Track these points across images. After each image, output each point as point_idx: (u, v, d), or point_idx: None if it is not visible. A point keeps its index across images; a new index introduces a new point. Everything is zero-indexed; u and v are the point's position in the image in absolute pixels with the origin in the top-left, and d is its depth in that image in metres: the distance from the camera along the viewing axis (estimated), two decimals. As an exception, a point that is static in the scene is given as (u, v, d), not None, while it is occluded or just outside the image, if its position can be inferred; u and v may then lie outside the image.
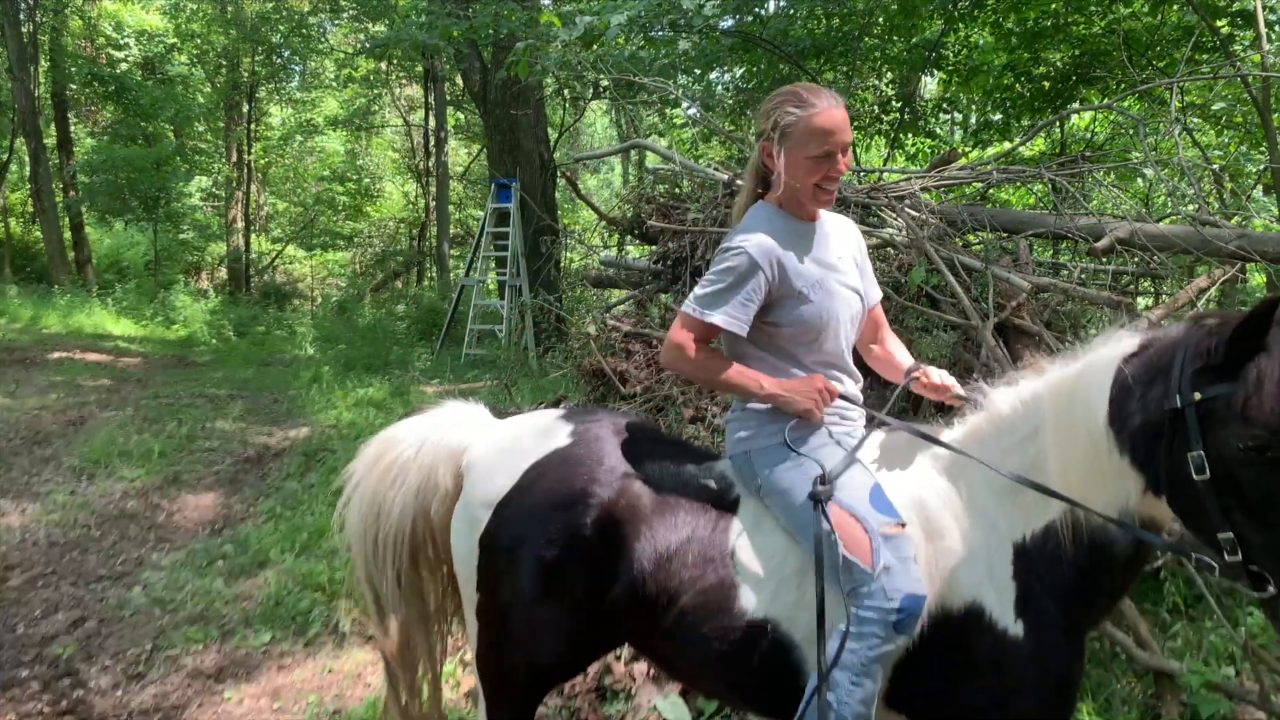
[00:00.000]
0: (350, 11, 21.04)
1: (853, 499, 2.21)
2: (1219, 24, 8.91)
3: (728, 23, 10.40)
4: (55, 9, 20.64)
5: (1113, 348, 2.04)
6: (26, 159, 19.78)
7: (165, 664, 4.13)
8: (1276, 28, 10.65)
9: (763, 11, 10.20)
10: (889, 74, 11.82)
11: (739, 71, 11.84)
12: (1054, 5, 9.27)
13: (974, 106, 11.64)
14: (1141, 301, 5.55)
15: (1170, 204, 6.46)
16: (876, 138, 11.68)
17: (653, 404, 4.74)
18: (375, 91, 24.16)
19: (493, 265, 14.44)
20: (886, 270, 4.79)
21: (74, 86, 21.84)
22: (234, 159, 23.83)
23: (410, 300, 19.68)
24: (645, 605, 2.29)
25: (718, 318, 2.33)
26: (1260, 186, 12.02)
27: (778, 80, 10.89)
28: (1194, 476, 1.82)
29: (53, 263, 19.47)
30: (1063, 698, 2.11)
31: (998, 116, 10.91)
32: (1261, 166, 11.18)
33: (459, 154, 26.32)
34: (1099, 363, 2.04)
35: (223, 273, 24.32)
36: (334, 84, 24.79)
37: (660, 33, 9.78)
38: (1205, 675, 3.30)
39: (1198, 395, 1.82)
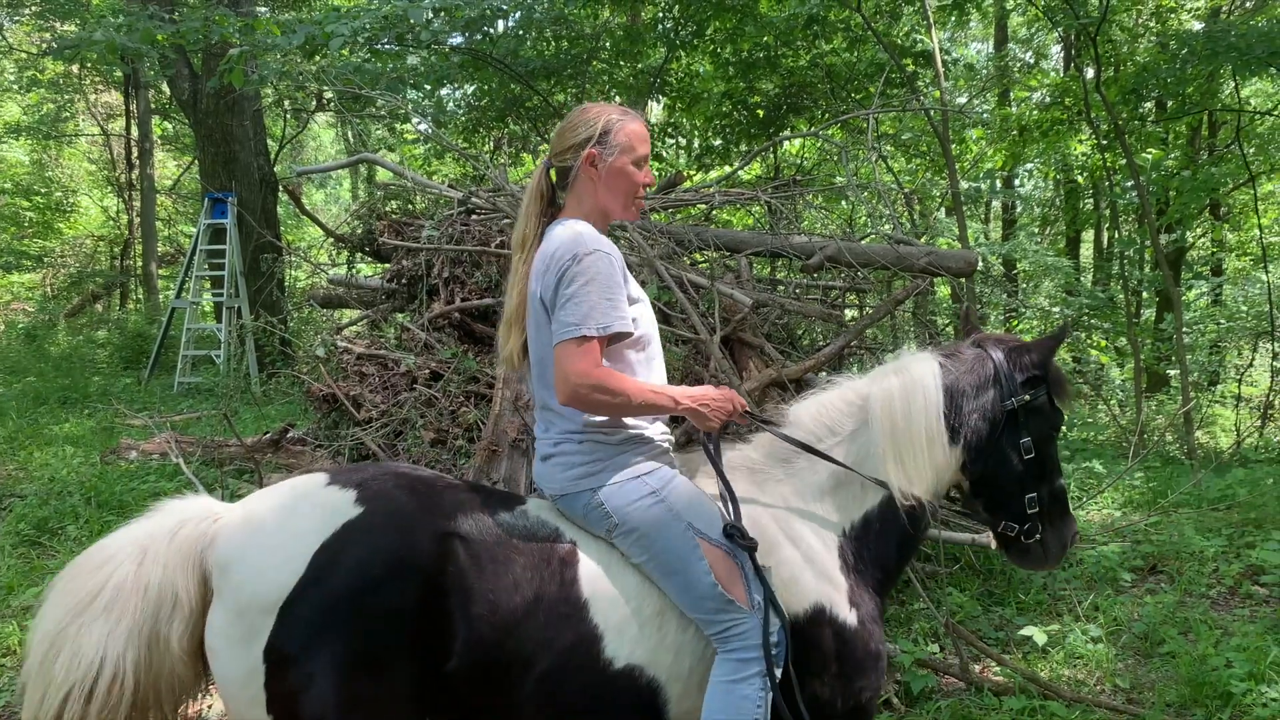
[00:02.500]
0: (33, 8, 18.96)
1: (717, 531, 2.22)
2: (906, 62, 9.93)
3: (458, 39, 10.32)
4: None
5: (921, 365, 2.45)
6: None
7: None
8: (952, 68, 12.00)
9: (493, 30, 10.21)
10: (617, 98, 12.19)
11: (470, 89, 11.78)
12: (766, 38, 9.95)
13: (696, 131, 12.25)
14: (849, 313, 6.04)
15: (870, 224, 7.09)
16: (607, 158, 11.98)
17: (390, 428, 4.58)
18: (66, 97, 21.89)
19: (208, 285, 13.45)
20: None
21: None
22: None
23: (113, 325, 17.94)
24: (491, 678, 2.05)
25: (617, 324, 2.17)
26: (943, 209, 13.46)
27: (510, 99, 10.94)
28: (1022, 457, 2.44)
29: None
30: (882, 670, 2.40)
31: (718, 141, 11.56)
32: (944, 191, 12.52)
33: (167, 166, 24.36)
34: (921, 375, 2.43)
35: (-124, 298, 21.10)
36: (16, 87, 22.20)
37: (388, 45, 9.55)
38: (915, 653, 3.61)
39: (1026, 397, 2.44)
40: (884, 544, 2.41)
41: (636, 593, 2.20)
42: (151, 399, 11.23)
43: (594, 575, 2.18)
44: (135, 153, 20.39)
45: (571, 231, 2.25)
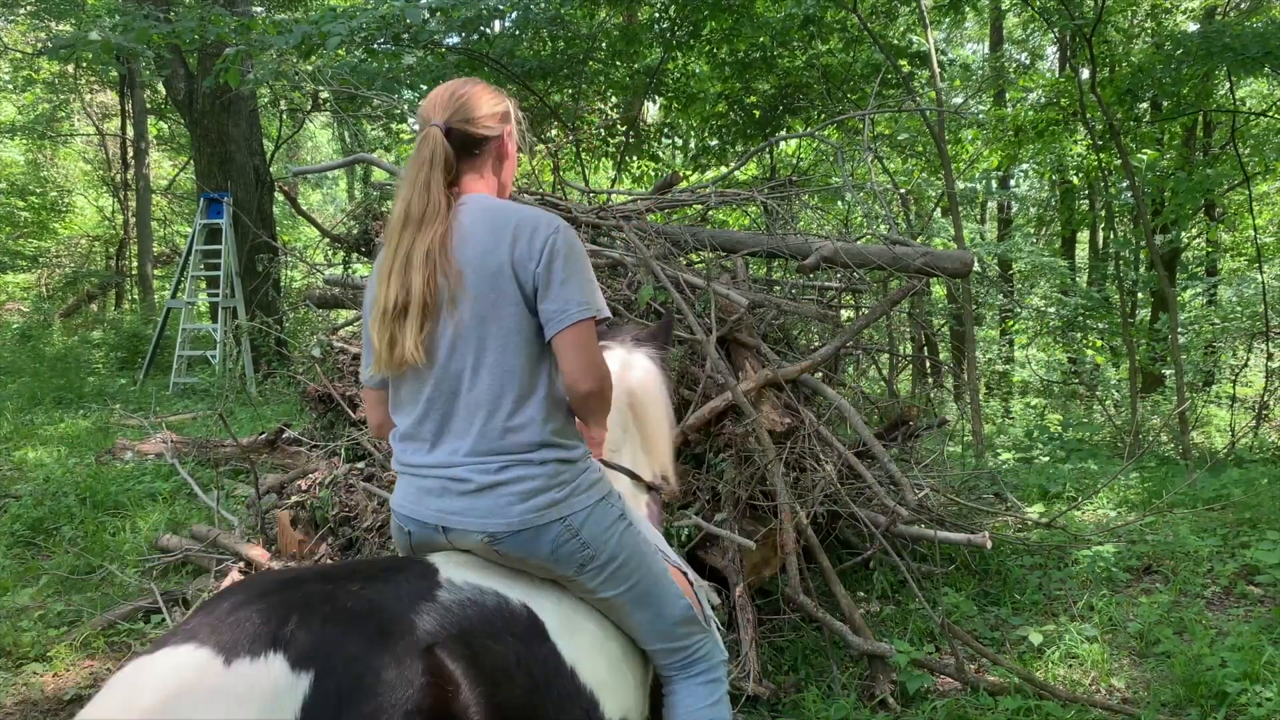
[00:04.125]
0: (28, 7, 18.91)
1: (667, 549, 2.19)
2: (902, 63, 9.94)
3: (454, 39, 10.31)
4: None
5: (626, 352, 2.50)
6: None
7: None
8: (947, 68, 12.00)
9: (489, 30, 10.20)
10: (614, 98, 12.19)
11: (466, 89, 11.76)
12: (762, 39, 9.95)
13: (693, 132, 12.26)
14: (845, 314, 6.04)
15: (866, 224, 7.09)
16: (604, 159, 12.01)
17: (385, 428, 4.58)
18: (62, 97, 21.84)
19: (203, 286, 13.44)
20: (617, 288, 4.92)
21: None
22: (-117, 167, 20.70)
23: (108, 325, 17.90)
24: None
25: (606, 309, 1.96)
26: (939, 209, 13.47)
27: (506, 100, 10.93)
28: None
29: None
30: None
31: (715, 142, 11.56)
32: (940, 191, 12.53)
33: (162, 166, 24.32)
34: (641, 364, 2.49)
35: None
36: (10, 87, 22.15)
37: (385, 45, 9.54)
38: (910, 654, 3.61)
39: None
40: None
41: (602, 640, 1.99)
42: (147, 399, 11.22)
43: (563, 634, 1.88)
44: (131, 153, 20.36)
45: (519, 204, 2.00)
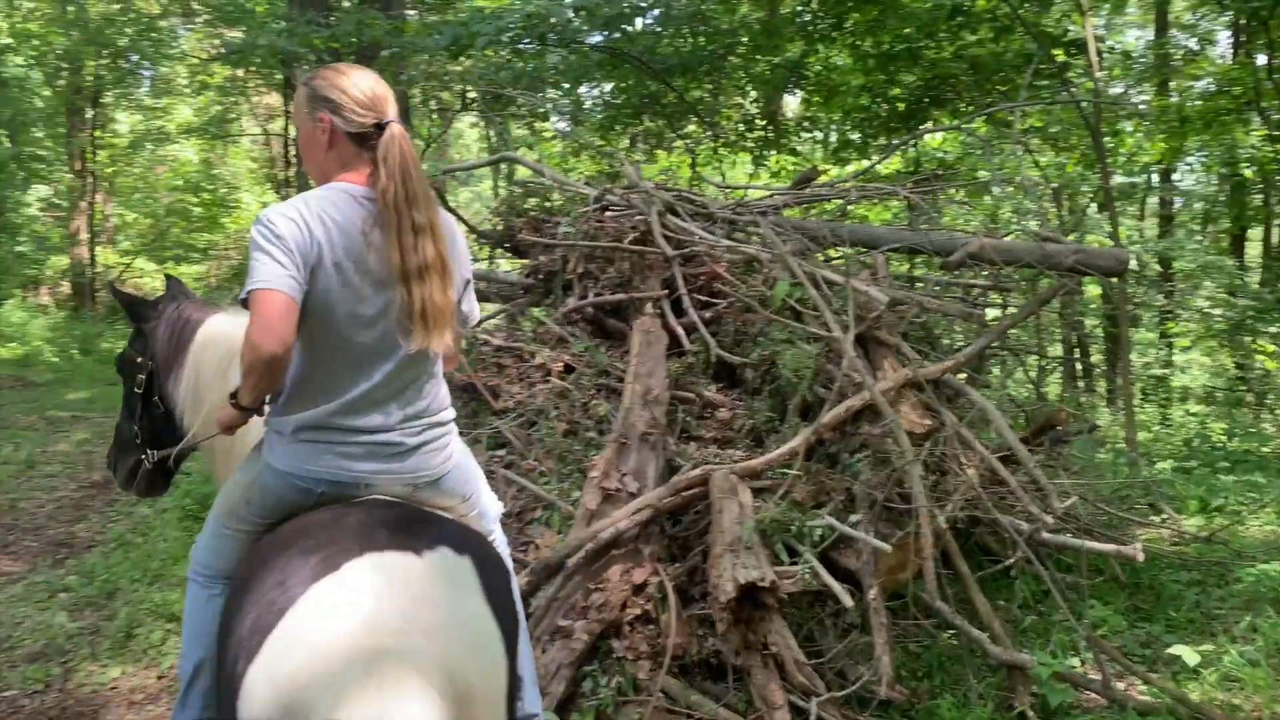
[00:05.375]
0: (204, 16, 20.19)
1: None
2: (1056, 52, 9.51)
3: (596, 38, 10.47)
4: None
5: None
6: None
7: (1, 706, 3.84)
8: (1107, 56, 11.42)
9: (631, 28, 10.31)
10: (753, 92, 12.12)
11: (608, 87, 11.93)
12: (907, 30, 9.71)
13: (834, 125, 12.06)
14: (990, 313, 5.85)
15: (1015, 220, 6.83)
16: (741, 154, 11.96)
17: (524, 418, 4.71)
18: (232, 99, 23.24)
19: (358, 279, 14.06)
20: (752, 284, 4.90)
21: (-107, 87, 20.22)
22: (77, 167, 22.48)
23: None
24: None
25: None
26: (1094, 204, 12.81)
27: (645, 97, 11.03)
28: None
29: None
30: None
31: (856, 136, 11.34)
32: (1095, 186, 11.95)
33: (322, 165, 25.54)
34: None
35: (66, 287, 22.88)
36: (187, 90, 23.72)
37: (529, 45, 9.77)
38: (1053, 666, 3.48)
39: None
40: None
41: None
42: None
43: None
44: (292, 151, 21.49)
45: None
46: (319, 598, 1.78)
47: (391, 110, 2.21)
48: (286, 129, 21.98)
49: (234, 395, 2.17)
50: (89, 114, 22.35)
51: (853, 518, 3.71)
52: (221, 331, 2.76)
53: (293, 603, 1.77)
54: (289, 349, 2.00)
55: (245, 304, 2.04)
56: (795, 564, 3.50)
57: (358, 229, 2.10)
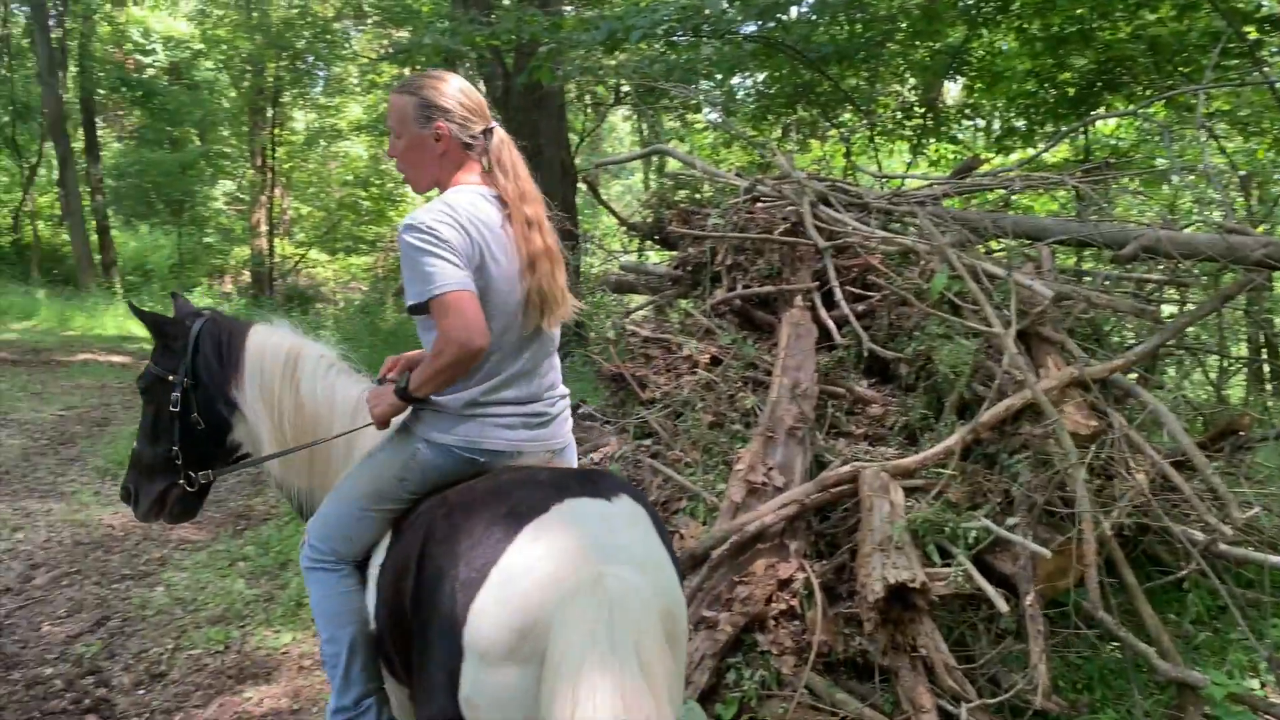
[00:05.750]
0: (374, 18, 21.15)
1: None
2: (1248, 29, 8.83)
3: (750, 28, 10.40)
4: (84, 15, 20.87)
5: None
6: (55, 163, 20.00)
7: (186, 664, 4.16)
8: (1305, 33, 10.52)
9: (785, 17, 10.18)
10: (912, 79, 11.77)
11: (761, 77, 11.83)
12: (1079, 10, 9.21)
13: (997, 112, 11.58)
14: (1166, 309, 5.50)
15: (1196, 211, 6.40)
16: (899, 143, 11.64)
17: (671, 409, 4.74)
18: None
19: (514, 270, 14.45)
20: (908, 276, 4.77)
21: (102, 91, 22.07)
22: (258, 163, 24.00)
23: (431, 304, 19.72)
24: None
25: None
26: (1288, 193, 11.81)
27: (799, 86, 10.88)
28: None
29: (79, 265, 19.68)
30: None
31: (1021, 123, 10.85)
32: (1289, 173, 11.03)
33: (481, 159, 26.36)
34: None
35: (246, 276, 24.49)
36: (358, 89, 24.94)
37: (682, 37, 9.79)
38: (1229, 687, 3.26)
39: None
40: None
41: None
42: (461, 372, 12.27)
43: None
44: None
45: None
46: (535, 533, 1.96)
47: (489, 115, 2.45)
48: (448, 125, 22.79)
49: (402, 388, 2.30)
50: (269, 113, 23.80)
51: (1010, 520, 3.57)
52: (274, 341, 2.77)
53: (512, 539, 1.95)
54: (489, 341, 2.20)
55: (416, 309, 2.22)
56: (948, 566, 3.40)
57: (497, 225, 2.32)
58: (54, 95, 18.78)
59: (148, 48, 22.45)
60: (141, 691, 3.95)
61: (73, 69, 20.81)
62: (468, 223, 2.24)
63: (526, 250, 2.33)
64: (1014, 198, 6.12)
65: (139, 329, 16.22)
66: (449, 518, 2.13)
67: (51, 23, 19.51)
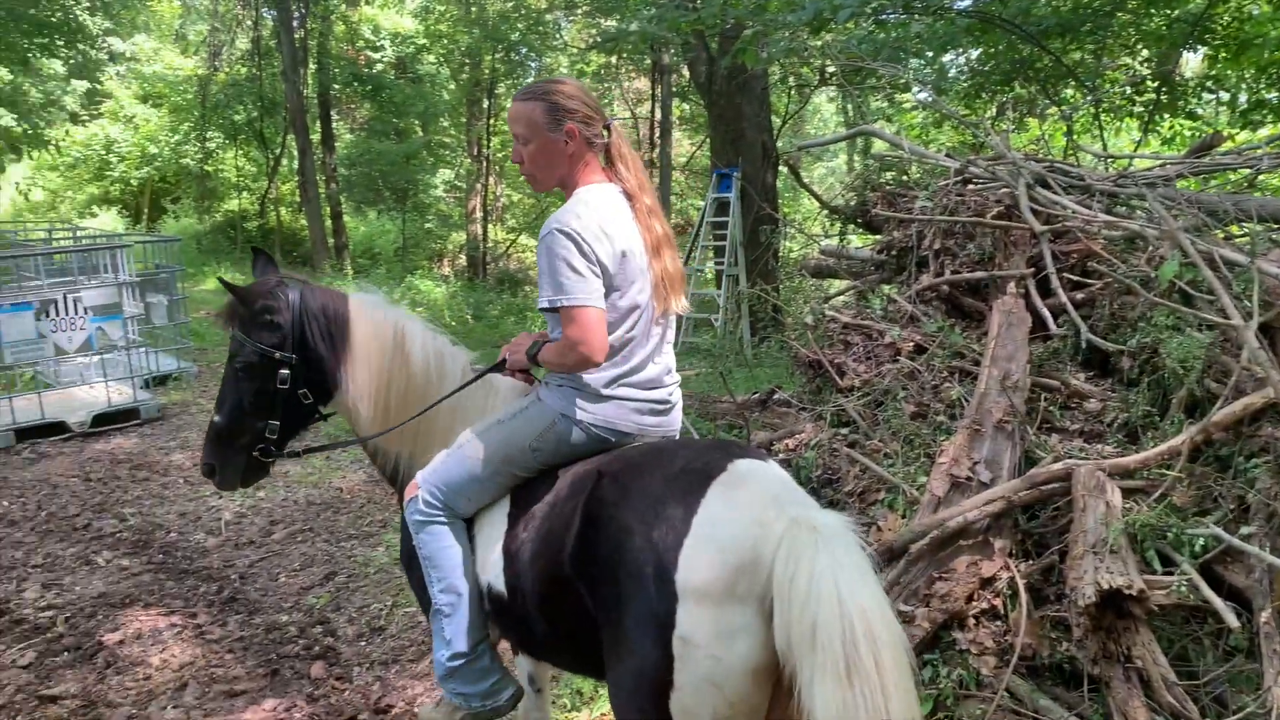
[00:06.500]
0: (584, 8, 21.72)
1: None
2: None
3: (965, 2, 9.95)
4: (323, 15, 22.55)
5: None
6: (295, 154, 21.75)
7: (403, 620, 4.46)
8: None
9: (1003, -11, 9.67)
10: (1144, 51, 10.92)
11: (975, 53, 11.31)
12: (1346, -33, 8.26)
13: (1244, 84, 10.56)
14: None
15: None
16: (1127, 120, 10.84)
17: (870, 398, 4.64)
18: (605, 85, 24.86)
19: (711, 254, 14.55)
20: (1134, 263, 4.46)
21: (337, 87, 23.81)
22: (474, 153, 25.23)
23: (632, 289, 20.15)
24: None
25: None
26: None
27: (1016, 62, 10.33)
28: None
29: (315, 248, 21.37)
30: None
31: (1273, 95, 9.85)
32: None
33: (682, 145, 26.64)
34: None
35: (462, 260, 25.83)
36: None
37: (892, 15, 9.49)
38: None
39: None
40: None
41: None
42: (659, 355, 12.46)
43: None
44: (657, 133, 22.60)
45: None
46: (725, 486, 2.09)
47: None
48: (653, 112, 23.14)
49: (533, 354, 2.56)
50: (485, 104, 24.93)
51: (1244, 529, 3.27)
52: (379, 316, 2.79)
53: (704, 491, 2.07)
54: (605, 357, 2.39)
55: (546, 309, 2.39)
56: (1170, 574, 3.17)
57: (629, 219, 2.49)
58: (296, 91, 20.43)
59: (377, 44, 24.04)
60: (363, 643, 4.28)
61: (312, 66, 22.54)
62: (607, 224, 2.40)
63: (651, 239, 2.50)
64: (1260, 178, 5.58)
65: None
66: (616, 481, 2.23)
67: (294, 23, 21.19)
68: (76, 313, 7.87)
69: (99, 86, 25.96)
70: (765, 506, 2.01)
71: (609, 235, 2.39)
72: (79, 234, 14.39)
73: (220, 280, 2.74)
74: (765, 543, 1.94)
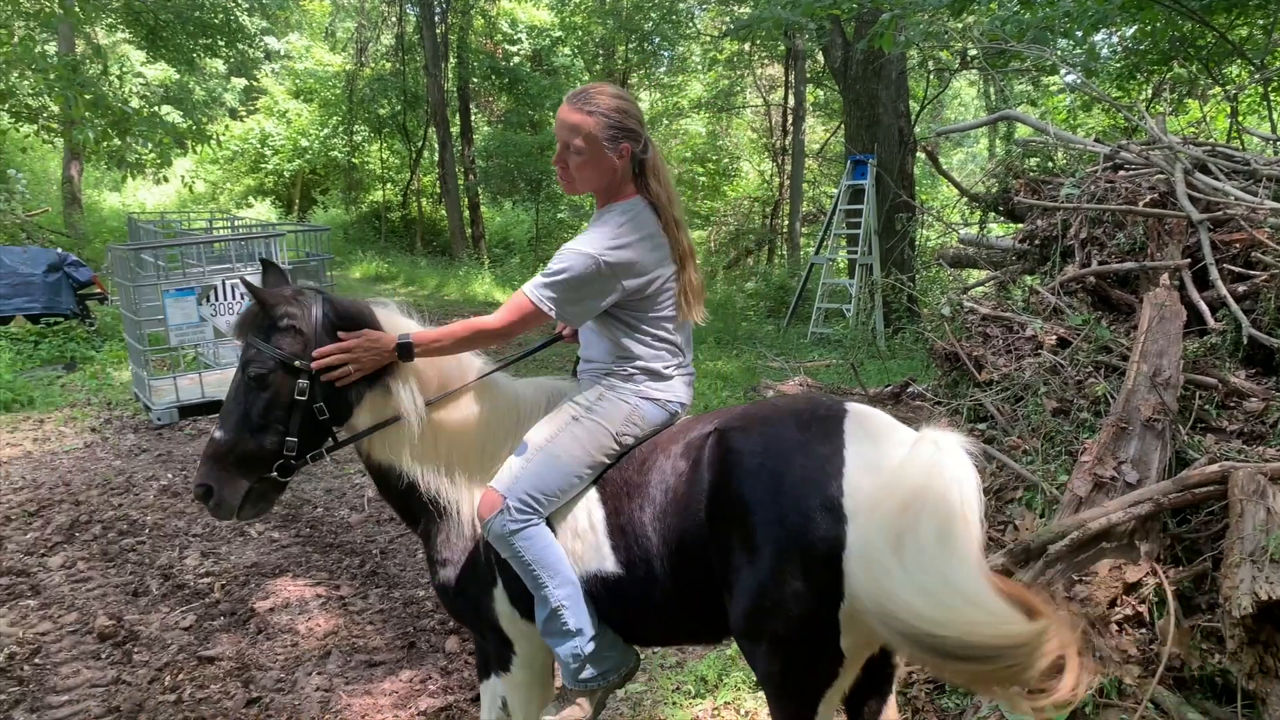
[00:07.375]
0: (717, -5, 21.65)
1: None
2: None
3: (1119, -22, 9.44)
4: (463, 10, 23.17)
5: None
6: (436, 146, 22.45)
7: (532, 601, 4.58)
8: None
9: (1163, -37, 9.13)
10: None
11: (1129, 31, 10.72)
12: None
13: None
14: None
15: None
16: (1301, 100, 10.08)
17: (1010, 393, 4.48)
18: (738, 73, 24.71)
19: (844, 243, 14.30)
20: (1304, 254, 4.16)
21: (475, 80, 24.46)
22: (605, 143, 25.47)
23: (760, 277, 20.03)
24: None
25: None
26: None
27: (1175, 39, 9.75)
28: None
29: (454, 238, 22.06)
30: None
31: None
32: None
33: (815, 131, 26.24)
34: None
35: (591, 249, 26.15)
36: (699, 67, 25.68)
37: (1040, -6, 9.10)
38: None
39: None
40: None
41: None
42: (788, 345, 12.38)
43: None
44: (790, 120, 22.33)
45: None
46: (855, 421, 2.29)
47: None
48: (786, 98, 22.87)
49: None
50: (618, 94, 25.14)
51: None
52: (410, 328, 2.70)
53: (841, 427, 2.27)
54: (512, 338, 2.67)
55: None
56: (1338, 587, 2.95)
57: (660, 231, 2.66)
58: (437, 85, 21.08)
59: (514, 37, 24.56)
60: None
61: (452, 60, 23.21)
62: (644, 241, 2.59)
63: (678, 252, 2.69)
64: None
65: (503, 295, 17.94)
66: (747, 434, 2.38)
67: (436, 18, 21.86)
68: (235, 298, 8.35)
69: (255, 83, 27.44)
70: (894, 430, 2.28)
71: (647, 249, 2.60)
72: (236, 224, 15.24)
73: (244, 281, 2.60)
74: (913, 498, 2.04)
